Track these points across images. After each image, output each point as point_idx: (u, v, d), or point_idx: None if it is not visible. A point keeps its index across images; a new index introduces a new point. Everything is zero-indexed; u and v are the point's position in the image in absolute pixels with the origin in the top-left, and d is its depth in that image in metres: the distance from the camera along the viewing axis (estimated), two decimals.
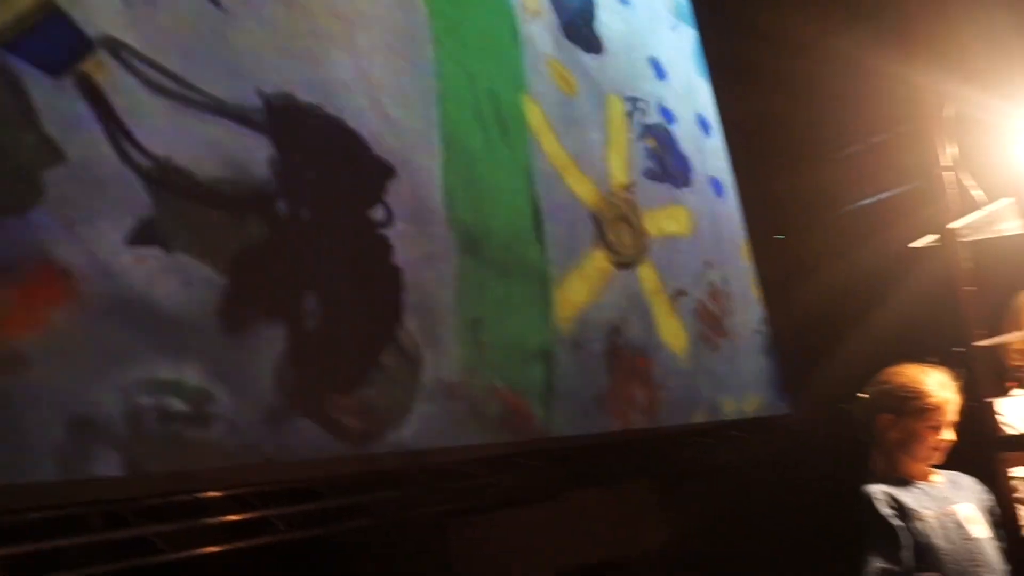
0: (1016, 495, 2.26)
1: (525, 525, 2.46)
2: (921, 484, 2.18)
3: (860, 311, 3.96)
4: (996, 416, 1.85)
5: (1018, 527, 1.76)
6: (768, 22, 4.09)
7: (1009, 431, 2.30)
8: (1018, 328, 2.31)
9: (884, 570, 2.05)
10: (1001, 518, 1.79)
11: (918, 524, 2.09)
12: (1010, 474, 2.27)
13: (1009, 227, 1.85)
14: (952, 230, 1.85)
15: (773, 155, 4.50)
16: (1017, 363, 2.43)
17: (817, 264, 4.63)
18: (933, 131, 1.89)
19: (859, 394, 2.36)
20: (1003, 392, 2.37)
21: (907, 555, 2.08)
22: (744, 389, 3.44)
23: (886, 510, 2.10)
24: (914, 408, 2.17)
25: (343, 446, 1.83)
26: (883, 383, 2.26)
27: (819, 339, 4.21)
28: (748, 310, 3.63)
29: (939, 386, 2.16)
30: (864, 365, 2.42)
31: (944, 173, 1.86)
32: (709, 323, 3.28)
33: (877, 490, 2.14)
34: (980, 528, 2.08)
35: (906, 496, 2.13)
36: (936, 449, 2.16)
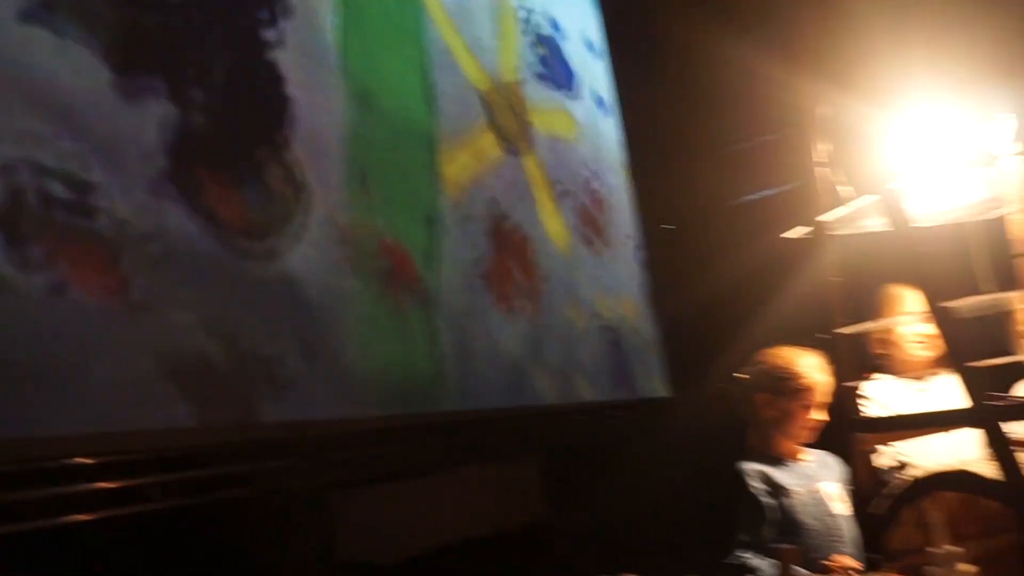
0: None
1: (409, 498, 2.46)
2: (792, 462, 2.30)
3: (741, 299, 4.13)
4: (856, 399, 1.97)
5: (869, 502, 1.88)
6: (665, 26, 4.21)
7: (871, 414, 2.46)
8: (879, 319, 2.47)
9: (750, 543, 2.16)
10: (852, 494, 1.91)
11: (787, 500, 2.21)
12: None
13: (872, 224, 1.97)
14: (821, 223, 1.95)
15: (665, 145, 4.64)
16: (878, 351, 2.60)
17: (704, 254, 4.79)
18: (809, 130, 1.99)
19: (737, 375, 2.47)
20: (863, 377, 2.53)
21: (773, 529, 2.20)
22: (620, 293, 3.63)
23: (758, 486, 2.22)
24: (789, 388, 2.30)
25: (222, 246, 1.84)
26: (761, 364, 2.38)
27: (703, 324, 4.37)
28: (626, 223, 3.83)
29: (812, 368, 2.29)
30: (745, 350, 2.54)
31: (817, 169, 1.96)
32: (590, 226, 3.47)
33: (750, 467, 2.26)
34: (841, 505, 2.22)
35: (778, 473, 2.25)
36: (807, 428, 2.29)
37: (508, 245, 2.90)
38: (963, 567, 1.07)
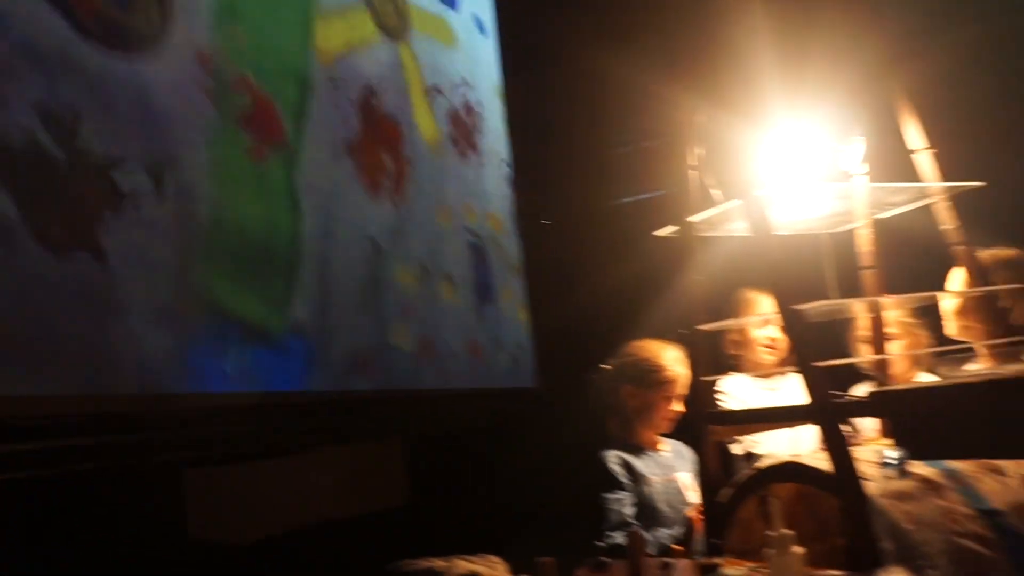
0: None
1: (266, 479, 2.40)
2: (651, 451, 2.39)
3: (611, 295, 4.24)
4: (711, 393, 2.06)
5: (715, 491, 1.97)
6: (555, 26, 4.26)
7: (725, 407, 2.58)
8: (735, 319, 2.59)
9: (615, 525, 2.23)
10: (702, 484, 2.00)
11: (646, 488, 2.29)
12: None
13: (736, 228, 2.06)
14: (689, 223, 2.03)
15: (549, 143, 4.69)
16: (732, 352, 2.73)
17: (579, 250, 4.87)
18: (684, 136, 2.05)
19: (603, 366, 2.54)
20: (721, 373, 2.65)
21: (633, 514, 2.27)
22: (489, 207, 3.68)
23: (620, 472, 2.29)
24: (653, 380, 2.39)
25: (74, 38, 1.79)
26: (626, 356, 2.46)
27: (574, 319, 4.44)
28: (500, 144, 3.86)
29: (675, 361, 2.39)
30: (612, 343, 2.61)
31: (689, 171, 2.03)
32: (461, 132, 3.50)
33: (613, 455, 2.33)
34: (694, 495, 2.32)
35: (638, 461, 2.33)
36: (668, 419, 2.39)
37: (379, 129, 2.87)
38: (795, 549, 1.14)
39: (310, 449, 2.55)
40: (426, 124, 3.19)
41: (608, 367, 2.53)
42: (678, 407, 2.42)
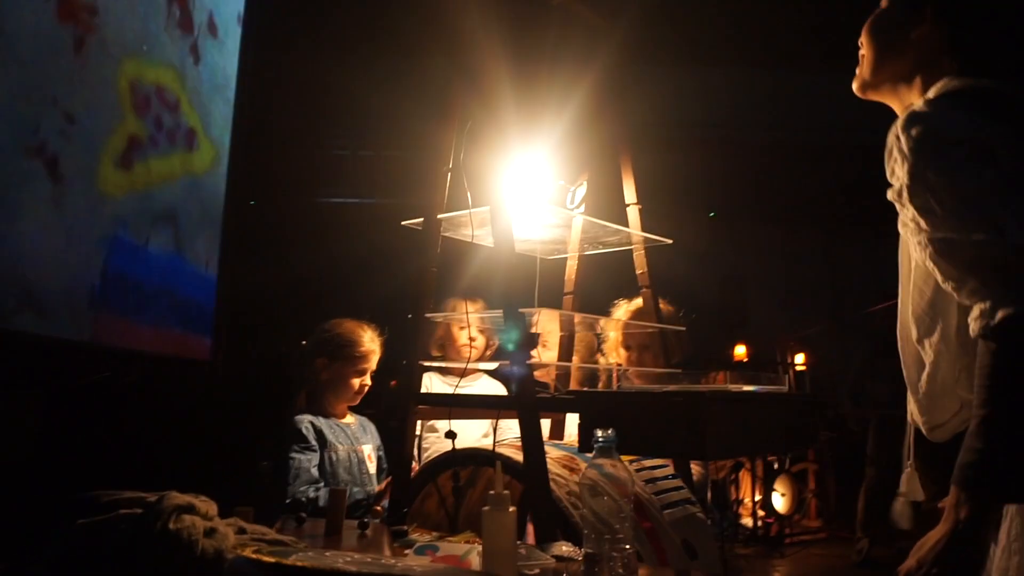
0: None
1: None
2: (339, 422, 2.42)
3: (303, 281, 4.19)
4: (421, 376, 2.15)
5: (408, 465, 2.05)
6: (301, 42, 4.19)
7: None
8: (446, 318, 2.73)
9: (305, 478, 2.21)
10: (397, 457, 2.06)
11: (332, 455, 2.31)
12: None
13: (480, 233, 2.19)
14: (435, 219, 2.11)
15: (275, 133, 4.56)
16: (435, 351, 2.85)
17: (279, 236, 4.77)
18: (449, 139, 2.14)
19: (303, 340, 2.52)
20: (434, 359, 2.76)
21: (319, 478, 2.27)
22: None
23: (309, 434, 2.28)
24: (347, 355, 2.45)
25: None
26: (324, 331, 2.49)
27: (260, 294, 4.32)
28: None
29: (369, 339, 2.48)
30: (298, 323, 2.61)
31: (446, 171, 2.12)
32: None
33: (305, 419, 2.32)
34: (372, 466, 2.40)
35: (326, 430, 2.34)
36: (358, 393, 2.45)
37: None
38: (510, 509, 1.24)
39: None
40: None
41: (306, 341, 2.53)
42: (367, 382, 2.49)
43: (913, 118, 1.15)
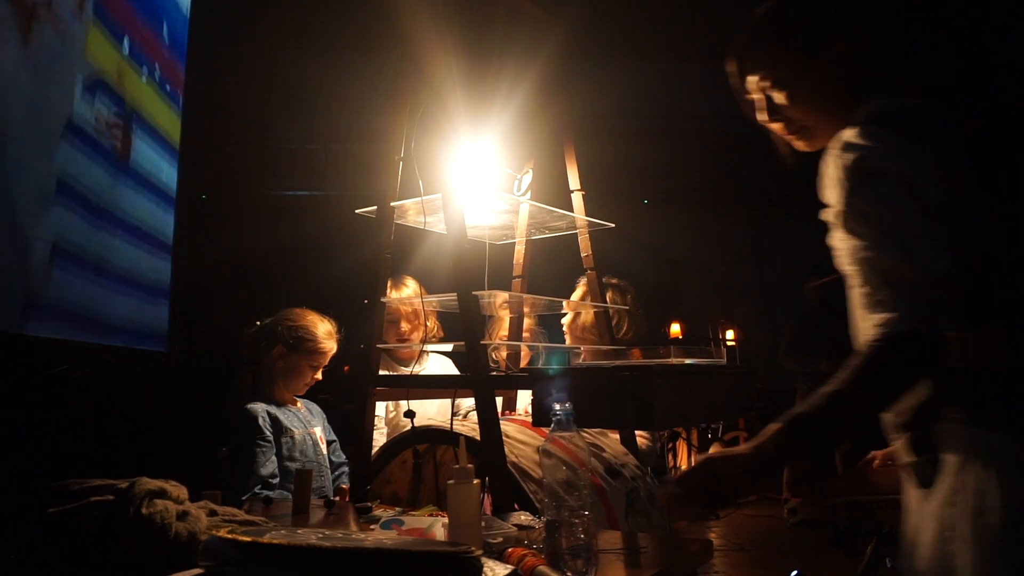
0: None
1: None
2: (291, 408, 2.41)
3: (262, 271, 4.12)
4: (379, 359, 2.13)
5: (368, 446, 2.04)
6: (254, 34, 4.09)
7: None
8: (397, 318, 2.73)
9: (262, 476, 2.18)
10: (357, 439, 2.05)
11: (287, 439, 2.29)
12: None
13: (432, 219, 2.17)
14: (388, 206, 2.10)
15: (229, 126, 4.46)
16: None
17: (236, 228, 4.68)
18: (400, 129, 2.12)
19: (259, 328, 2.48)
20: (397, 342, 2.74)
21: (275, 462, 2.25)
22: None
23: (265, 425, 2.26)
24: (307, 348, 2.43)
25: None
26: (284, 321, 2.46)
27: (218, 287, 4.24)
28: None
29: (327, 335, 2.46)
30: (253, 312, 2.57)
31: (398, 160, 2.11)
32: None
33: (260, 408, 2.30)
34: (324, 447, 2.39)
35: (281, 416, 2.33)
36: (308, 383, 2.44)
37: None
38: (474, 481, 1.25)
39: None
40: None
41: (263, 327, 2.49)
42: (318, 376, 2.48)
43: (846, 147, 1.18)
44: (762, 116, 1.38)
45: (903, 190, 1.12)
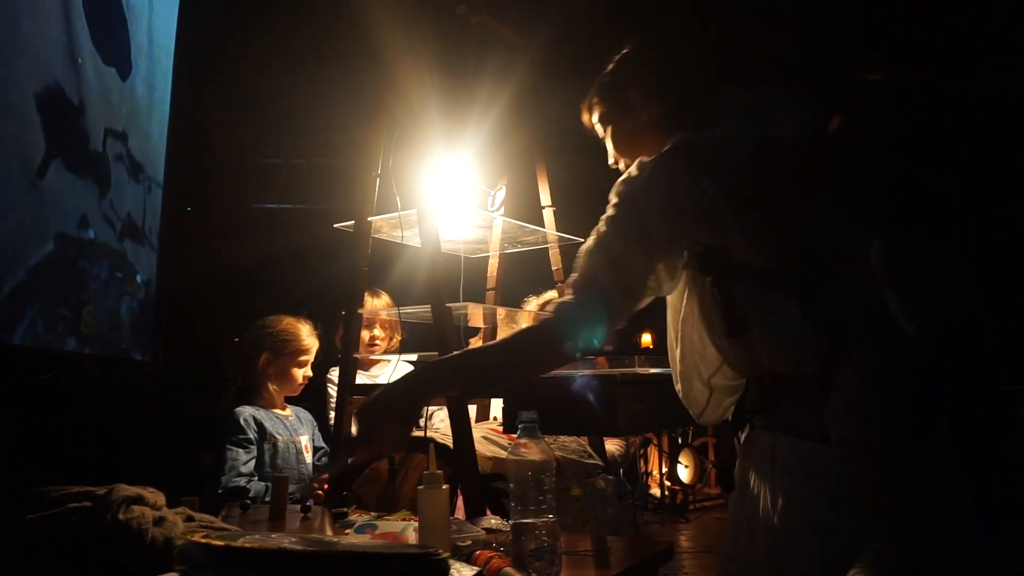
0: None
1: None
2: (279, 413, 2.39)
3: (242, 282, 4.10)
4: (355, 369, 2.13)
5: (347, 451, 2.03)
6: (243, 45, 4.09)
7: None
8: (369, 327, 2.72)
9: (239, 470, 2.17)
10: (337, 444, 2.05)
11: (269, 445, 2.28)
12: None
13: (408, 234, 2.18)
14: (366, 220, 2.10)
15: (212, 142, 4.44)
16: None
17: (221, 241, 4.64)
18: (378, 146, 2.13)
19: (243, 335, 2.47)
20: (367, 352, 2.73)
21: (260, 467, 2.23)
22: None
23: (250, 430, 2.24)
24: (290, 350, 2.42)
25: None
26: (265, 327, 2.45)
27: (201, 298, 4.20)
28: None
29: (308, 334, 2.45)
30: (239, 320, 2.56)
31: (375, 176, 2.12)
32: None
33: (247, 411, 2.28)
34: (309, 456, 2.37)
35: (267, 421, 2.31)
36: (301, 384, 2.42)
37: None
38: (444, 486, 1.26)
39: None
40: None
41: (247, 336, 2.48)
42: (308, 373, 2.47)
43: (622, 179, 1.29)
44: (609, 152, 1.51)
45: (632, 220, 1.23)
